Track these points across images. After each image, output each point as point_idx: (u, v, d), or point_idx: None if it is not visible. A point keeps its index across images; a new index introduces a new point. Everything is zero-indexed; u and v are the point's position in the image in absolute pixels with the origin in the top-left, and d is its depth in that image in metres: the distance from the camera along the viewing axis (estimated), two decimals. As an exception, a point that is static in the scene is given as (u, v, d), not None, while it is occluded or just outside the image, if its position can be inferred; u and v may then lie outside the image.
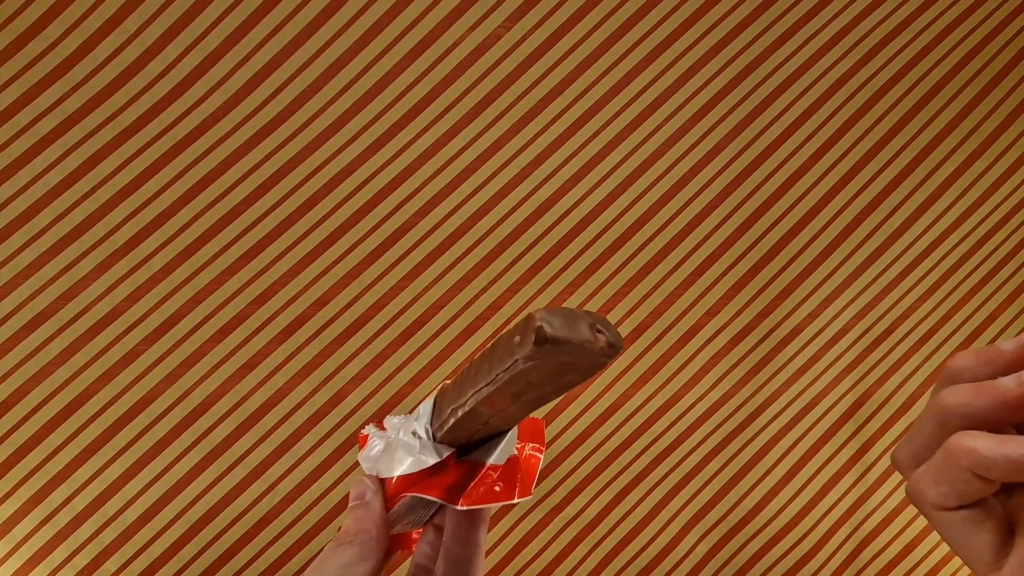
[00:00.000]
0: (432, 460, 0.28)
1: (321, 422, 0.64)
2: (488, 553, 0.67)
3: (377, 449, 0.31)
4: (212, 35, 0.61)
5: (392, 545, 0.32)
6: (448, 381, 0.30)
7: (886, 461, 0.72)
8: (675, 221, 0.68)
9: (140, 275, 0.62)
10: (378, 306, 0.65)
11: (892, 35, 0.70)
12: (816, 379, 0.71)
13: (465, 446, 0.29)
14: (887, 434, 0.72)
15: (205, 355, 0.63)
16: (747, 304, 0.70)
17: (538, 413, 0.67)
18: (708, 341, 0.69)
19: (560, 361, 0.22)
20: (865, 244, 0.71)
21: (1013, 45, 0.72)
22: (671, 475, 0.70)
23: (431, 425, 0.29)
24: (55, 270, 0.61)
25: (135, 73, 0.61)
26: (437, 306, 0.65)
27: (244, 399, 0.63)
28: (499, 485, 0.28)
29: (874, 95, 0.70)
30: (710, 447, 0.70)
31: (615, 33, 0.66)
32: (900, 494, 0.72)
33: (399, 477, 0.29)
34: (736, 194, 0.69)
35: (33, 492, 0.61)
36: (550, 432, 0.68)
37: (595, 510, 0.69)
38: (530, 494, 0.29)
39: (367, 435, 0.33)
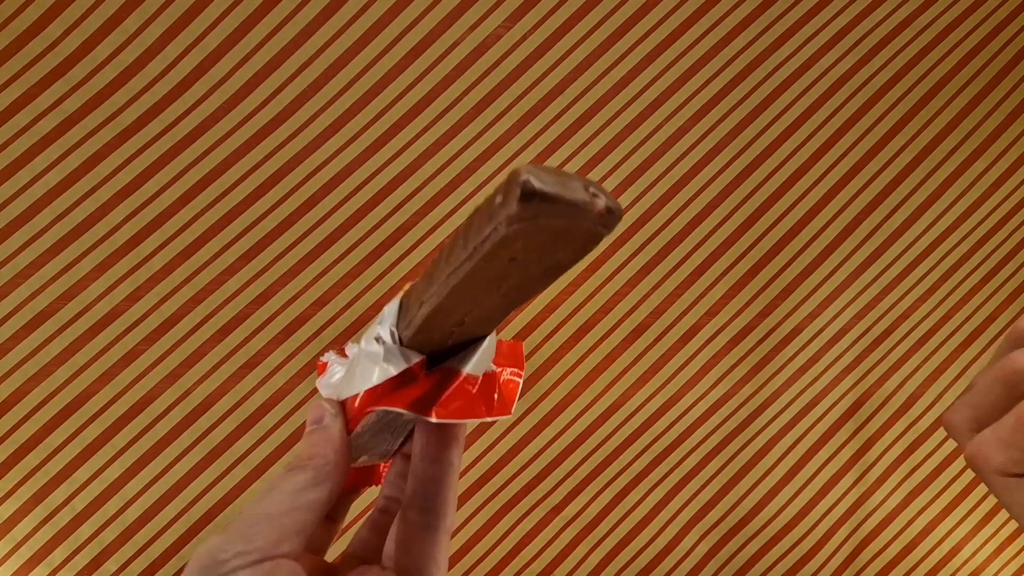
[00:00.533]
0: (399, 367, 0.24)
1: (321, 422, 0.64)
2: (488, 553, 0.67)
3: (338, 376, 0.28)
4: (212, 35, 0.61)
5: (358, 479, 0.30)
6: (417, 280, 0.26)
7: (886, 461, 0.72)
8: (675, 221, 0.68)
9: (140, 275, 0.62)
10: (378, 306, 0.65)
11: (892, 35, 0.70)
12: (816, 379, 0.71)
13: (437, 355, 0.25)
14: (887, 434, 0.72)
15: (205, 355, 0.63)
16: (747, 304, 0.70)
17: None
18: (708, 341, 0.69)
19: (550, 227, 0.18)
20: (865, 244, 0.71)
21: (1013, 45, 0.72)
22: (671, 475, 0.70)
23: (397, 327, 0.25)
24: (55, 270, 0.61)
25: (135, 73, 0.61)
26: (437, 306, 0.65)
27: (244, 399, 0.63)
28: (474, 398, 0.25)
29: (874, 95, 0.70)
30: (710, 447, 0.70)
31: (615, 33, 0.66)
32: (900, 494, 0.73)
33: (363, 393, 0.25)
34: (736, 194, 0.69)
35: (33, 492, 0.61)
36: (550, 432, 0.68)
37: (595, 510, 0.69)
38: (510, 413, 0.26)
39: (326, 362, 0.30)
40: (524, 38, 0.65)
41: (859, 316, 0.71)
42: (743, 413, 0.70)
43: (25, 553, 0.61)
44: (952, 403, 0.21)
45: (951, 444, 0.73)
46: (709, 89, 0.68)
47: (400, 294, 0.26)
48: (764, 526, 0.71)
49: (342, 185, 0.64)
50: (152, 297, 0.62)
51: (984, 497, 0.74)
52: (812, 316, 0.70)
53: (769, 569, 0.71)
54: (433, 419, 0.24)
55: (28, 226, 0.60)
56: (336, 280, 0.64)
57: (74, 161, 0.60)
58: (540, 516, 0.68)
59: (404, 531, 0.26)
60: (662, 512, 0.70)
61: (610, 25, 0.66)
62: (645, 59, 0.67)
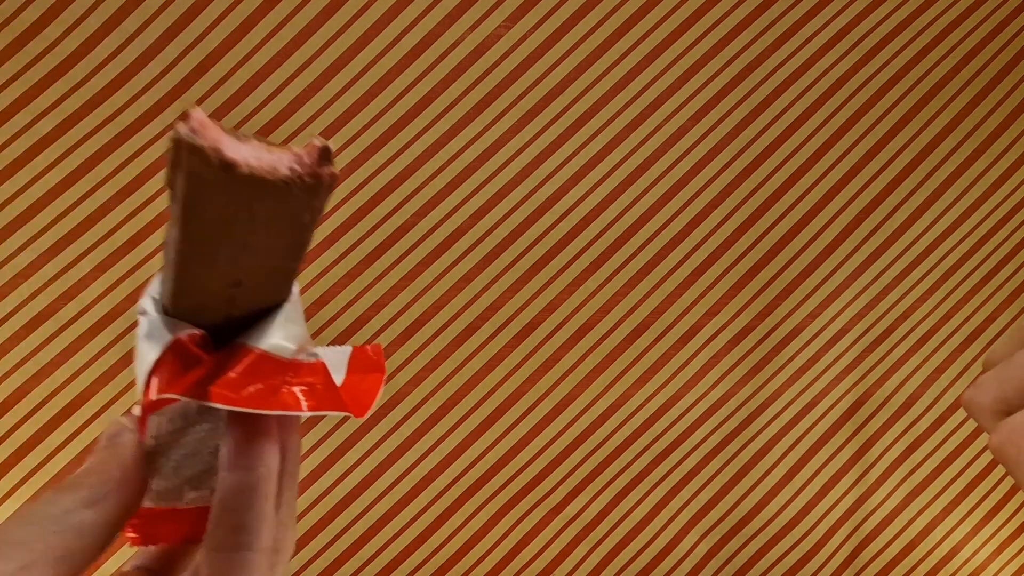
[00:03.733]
0: (163, 340, 0.19)
1: (321, 422, 0.64)
2: (488, 553, 0.67)
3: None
4: (212, 35, 0.61)
5: (194, 527, 0.22)
6: None
7: (886, 461, 0.72)
8: (675, 221, 0.68)
9: (140, 275, 0.62)
10: (378, 306, 0.65)
11: (892, 35, 0.70)
12: (816, 379, 0.71)
13: (226, 329, 0.20)
14: (887, 434, 0.72)
15: (205, 355, 0.63)
16: (747, 304, 0.70)
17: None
18: (708, 341, 0.69)
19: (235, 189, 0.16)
20: (865, 244, 0.71)
21: (1013, 45, 0.72)
22: (671, 475, 0.70)
23: (160, 293, 0.20)
24: (55, 270, 0.61)
25: (135, 73, 0.61)
26: (437, 306, 0.65)
27: (244, 399, 0.63)
28: (289, 380, 0.20)
29: (874, 95, 0.70)
30: (710, 447, 0.70)
31: (615, 33, 0.66)
32: (900, 494, 0.72)
33: (144, 387, 0.19)
34: (736, 194, 0.69)
35: (33, 492, 0.61)
36: (550, 432, 0.68)
37: (595, 510, 0.69)
38: (362, 415, 0.20)
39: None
40: (524, 38, 0.65)
41: (859, 316, 0.71)
42: (743, 413, 0.70)
43: (25, 553, 0.61)
44: (976, 379, 0.17)
45: (951, 444, 0.73)
46: (709, 89, 0.68)
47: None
48: (764, 526, 0.71)
49: (342, 185, 0.64)
50: (152, 297, 0.62)
51: (984, 497, 0.74)
52: (812, 316, 0.70)
53: (769, 569, 0.71)
54: (213, 403, 0.18)
55: (28, 226, 0.60)
56: (336, 280, 0.64)
57: (74, 161, 0.60)
58: (540, 516, 0.68)
59: (213, 559, 0.20)
60: (662, 512, 0.70)
61: (610, 25, 0.66)
62: (645, 59, 0.67)
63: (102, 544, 0.19)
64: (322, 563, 0.65)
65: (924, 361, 0.72)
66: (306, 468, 0.64)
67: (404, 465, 0.65)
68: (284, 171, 0.16)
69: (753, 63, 0.68)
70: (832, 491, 0.72)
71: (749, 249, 0.69)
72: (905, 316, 0.72)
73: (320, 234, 0.63)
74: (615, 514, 0.69)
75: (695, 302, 0.69)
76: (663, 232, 0.68)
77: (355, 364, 0.23)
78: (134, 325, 0.61)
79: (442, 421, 0.66)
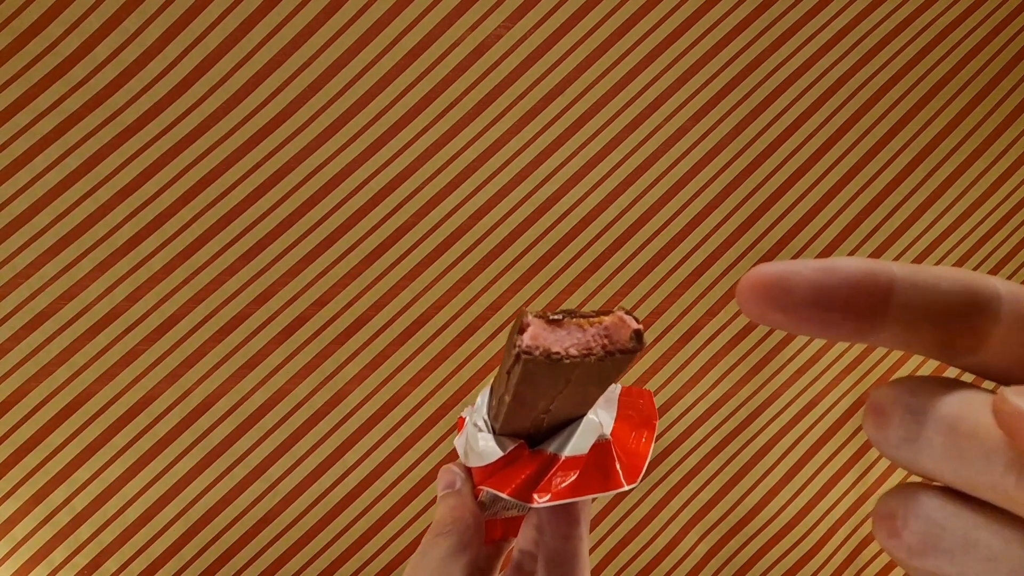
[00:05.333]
0: (494, 454, 0.26)
1: (321, 422, 0.64)
2: (488, 553, 0.67)
3: (467, 436, 0.29)
4: (212, 35, 0.61)
5: (508, 529, 0.31)
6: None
7: (886, 461, 0.72)
8: (675, 221, 0.68)
9: (140, 275, 0.62)
10: (378, 306, 0.65)
11: (892, 35, 0.70)
12: (816, 379, 0.71)
13: (537, 435, 0.26)
14: (887, 434, 0.72)
15: (205, 355, 0.63)
16: (747, 304, 0.69)
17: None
18: (708, 341, 0.69)
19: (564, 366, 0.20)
20: (865, 244, 0.71)
21: (1013, 45, 0.72)
22: (671, 475, 0.70)
23: (488, 416, 0.27)
24: (55, 270, 0.61)
25: (135, 73, 0.61)
26: (437, 306, 0.65)
27: (244, 399, 0.63)
28: (583, 476, 0.25)
29: (874, 95, 0.70)
30: (710, 447, 0.70)
31: (615, 33, 0.66)
32: (900, 494, 0.72)
33: (475, 468, 0.27)
34: (736, 194, 0.69)
35: (33, 492, 0.61)
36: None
37: (595, 510, 0.69)
38: (635, 482, 0.25)
39: (464, 417, 0.30)
40: (524, 38, 0.65)
41: (859, 316, 0.71)
42: (743, 413, 0.70)
43: (25, 553, 0.61)
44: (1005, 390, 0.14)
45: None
46: (709, 89, 0.68)
47: (492, 380, 0.27)
48: (764, 526, 0.71)
49: (342, 185, 0.64)
50: (152, 297, 0.62)
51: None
52: (812, 316, 0.70)
53: (769, 569, 0.71)
54: (534, 504, 0.24)
55: (28, 226, 0.60)
56: (336, 280, 0.64)
57: (74, 161, 0.60)
58: (540, 516, 0.68)
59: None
60: (662, 512, 0.70)
61: (610, 26, 0.66)
62: (645, 60, 0.67)
63: (476, 571, 0.26)
64: (322, 563, 0.65)
65: (924, 361, 0.72)
66: (306, 468, 0.64)
67: (404, 465, 0.65)
68: (599, 351, 0.20)
69: (753, 63, 0.68)
70: (832, 491, 0.72)
71: (749, 249, 0.69)
72: (905, 316, 0.71)
73: (320, 234, 0.63)
74: (615, 514, 0.69)
75: (695, 302, 0.69)
76: (663, 232, 0.68)
77: (624, 403, 0.29)
78: (134, 325, 0.61)
79: (442, 421, 0.66)
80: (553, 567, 0.27)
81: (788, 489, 0.71)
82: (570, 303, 0.67)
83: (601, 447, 0.26)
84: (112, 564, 0.63)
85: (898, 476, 0.72)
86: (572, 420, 0.26)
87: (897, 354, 0.72)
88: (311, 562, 0.65)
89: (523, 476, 0.25)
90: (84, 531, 0.62)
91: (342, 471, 0.65)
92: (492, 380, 0.27)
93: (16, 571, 0.61)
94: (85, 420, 0.61)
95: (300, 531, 0.65)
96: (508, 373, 0.21)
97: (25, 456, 0.61)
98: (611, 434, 0.27)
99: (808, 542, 0.72)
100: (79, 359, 0.61)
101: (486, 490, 0.27)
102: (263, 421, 0.64)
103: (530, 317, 0.20)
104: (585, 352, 0.20)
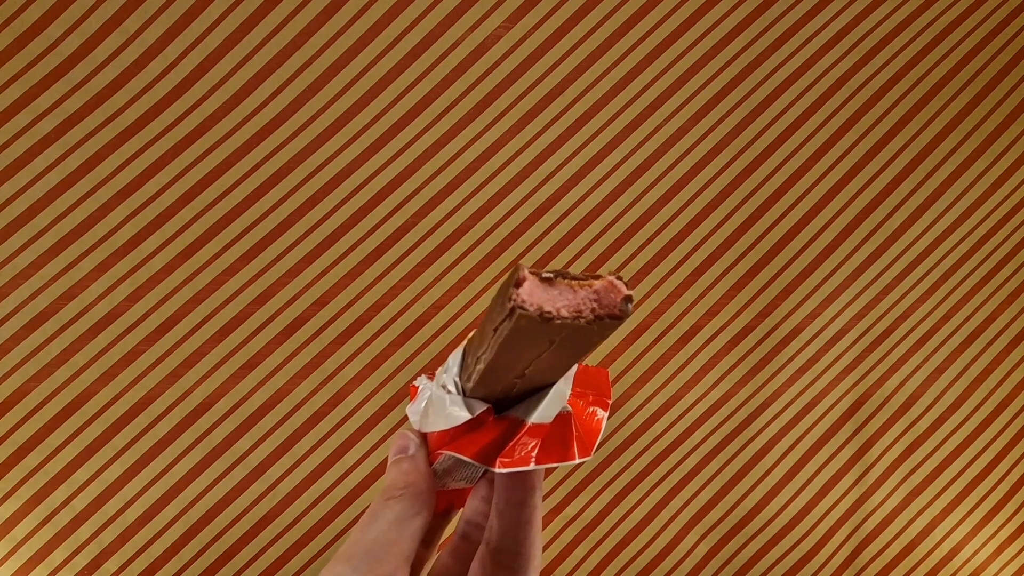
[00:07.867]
0: (461, 417, 0.25)
1: (321, 422, 0.64)
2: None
3: (423, 402, 0.29)
4: (212, 35, 0.61)
5: (453, 499, 0.31)
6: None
7: (886, 461, 0.72)
8: (675, 221, 0.68)
9: (140, 275, 0.62)
10: (378, 306, 0.65)
11: (892, 35, 0.70)
12: (816, 379, 0.71)
13: (505, 401, 0.26)
14: (887, 434, 0.72)
15: (205, 355, 0.63)
16: (747, 304, 0.70)
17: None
18: (708, 341, 0.69)
19: (553, 334, 0.20)
20: (865, 244, 0.71)
21: (1013, 45, 0.72)
22: (671, 475, 0.70)
23: (459, 377, 0.26)
24: (55, 270, 0.61)
25: (135, 73, 0.61)
26: (437, 306, 0.65)
27: (244, 399, 0.63)
28: (545, 445, 0.25)
29: (874, 95, 0.70)
30: (710, 447, 0.70)
31: (615, 33, 0.66)
32: (900, 494, 0.72)
33: (435, 433, 0.27)
34: (736, 194, 0.69)
35: (33, 492, 0.61)
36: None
37: (595, 510, 0.69)
38: (588, 455, 0.25)
39: (417, 386, 0.31)
40: (524, 38, 0.65)
41: (859, 316, 0.71)
42: (743, 413, 0.70)
43: (25, 553, 0.61)
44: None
45: (951, 444, 0.73)
46: (709, 89, 0.68)
47: (464, 343, 0.27)
48: (764, 526, 0.71)
49: (342, 185, 0.64)
50: (152, 297, 0.62)
51: (984, 497, 0.74)
52: (812, 316, 0.70)
53: (769, 569, 0.71)
54: (497, 469, 0.24)
55: (28, 226, 0.60)
56: (336, 280, 0.64)
57: (74, 161, 0.60)
58: (540, 516, 0.68)
59: (493, 573, 0.27)
60: (662, 512, 0.70)
61: (610, 26, 0.66)
62: (645, 60, 0.67)
63: (421, 541, 0.26)
64: (322, 563, 0.65)
65: (924, 361, 0.72)
66: (306, 469, 0.64)
67: (404, 465, 0.65)
68: (588, 314, 0.20)
69: (753, 63, 0.68)
70: (832, 491, 0.72)
71: (749, 249, 0.69)
72: (905, 316, 0.72)
73: (320, 234, 0.64)
74: (615, 514, 0.69)
75: (695, 302, 0.69)
76: (663, 232, 0.68)
77: (580, 380, 0.29)
78: (134, 325, 0.61)
79: (442, 421, 0.66)
80: (507, 537, 0.27)
81: (788, 489, 0.71)
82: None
83: (563, 418, 0.26)
84: (112, 564, 0.63)
85: (897, 477, 0.72)
86: (541, 388, 0.26)
87: (897, 354, 0.72)
88: (311, 562, 0.65)
89: (487, 440, 0.25)
90: (84, 531, 0.62)
91: (341, 471, 0.65)
92: (465, 342, 0.27)
93: (16, 571, 0.61)
94: (85, 420, 0.62)
95: (300, 531, 0.65)
96: (495, 330, 0.21)
97: (25, 456, 0.61)
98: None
99: (808, 542, 0.72)
100: (79, 359, 0.61)
101: (444, 454, 0.26)
102: (263, 421, 0.64)
103: (526, 271, 0.20)
104: (575, 314, 0.20)
